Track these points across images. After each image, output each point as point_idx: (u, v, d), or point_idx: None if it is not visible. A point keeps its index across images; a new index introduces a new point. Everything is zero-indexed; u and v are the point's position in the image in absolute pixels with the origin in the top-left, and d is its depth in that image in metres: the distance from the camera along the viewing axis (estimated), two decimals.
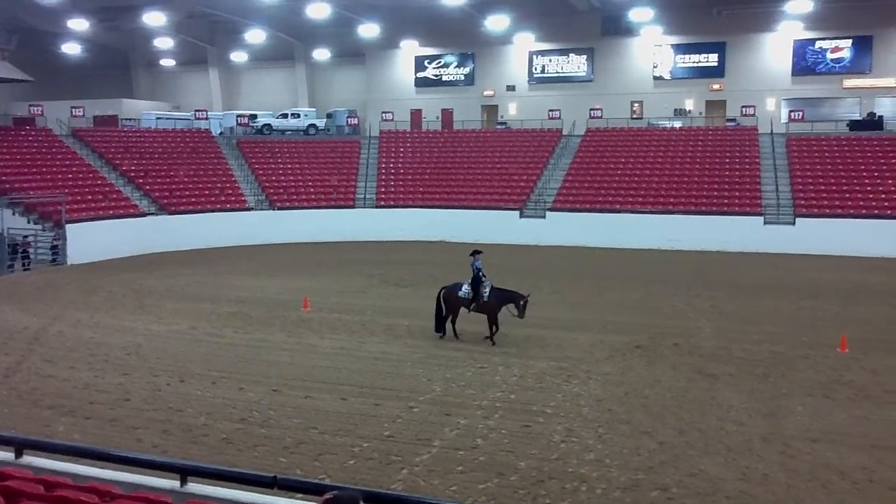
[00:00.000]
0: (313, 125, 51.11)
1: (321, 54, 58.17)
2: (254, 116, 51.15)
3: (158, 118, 51.65)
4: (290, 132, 50.51)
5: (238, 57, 60.17)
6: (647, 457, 11.88)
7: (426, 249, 37.77)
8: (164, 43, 57.83)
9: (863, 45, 46.34)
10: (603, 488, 10.75)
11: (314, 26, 53.84)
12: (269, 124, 50.51)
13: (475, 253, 19.63)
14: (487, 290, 18.83)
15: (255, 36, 54.37)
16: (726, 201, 38.71)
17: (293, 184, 44.31)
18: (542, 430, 12.95)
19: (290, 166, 45.89)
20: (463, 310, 19.27)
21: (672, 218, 38.23)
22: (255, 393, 14.98)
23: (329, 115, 53.69)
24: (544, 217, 40.54)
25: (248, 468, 10.14)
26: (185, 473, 6.70)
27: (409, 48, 55.08)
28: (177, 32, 55.18)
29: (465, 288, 19.06)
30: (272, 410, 13.97)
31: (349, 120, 51.95)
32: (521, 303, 18.58)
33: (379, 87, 56.23)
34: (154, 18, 48.48)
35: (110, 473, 6.89)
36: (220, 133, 49.71)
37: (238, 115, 50.91)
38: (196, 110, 50.47)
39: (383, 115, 49.68)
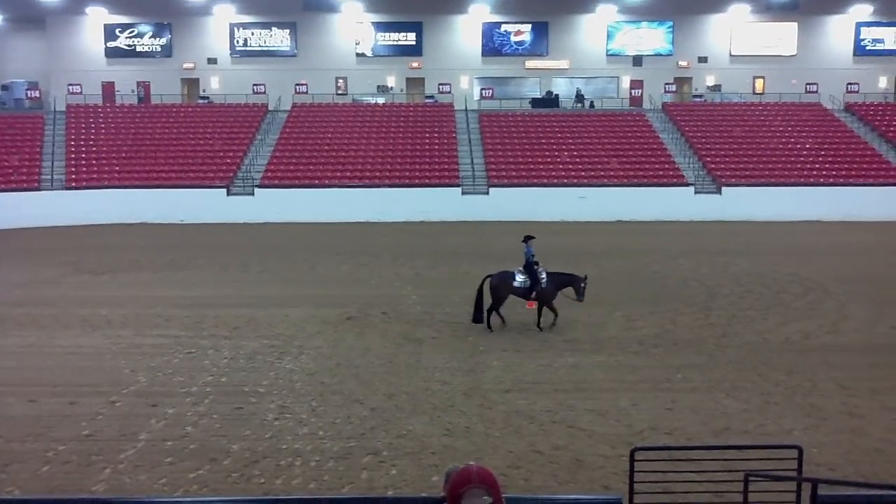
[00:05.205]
0: None
1: None
2: None
3: None
4: None
5: None
6: (359, 424, 12.31)
7: (125, 232, 35.39)
8: None
9: (540, 30, 51.03)
10: (317, 460, 10.97)
11: None
12: None
13: (528, 238, 18.07)
14: (544, 276, 17.60)
15: None
16: (427, 174, 40.80)
17: None
18: (255, 410, 12.88)
19: None
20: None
21: (378, 191, 39.49)
22: None
23: (4, 88, 48.14)
24: (253, 194, 39.80)
25: None
26: None
27: (98, 15, 50.58)
28: None
29: (521, 277, 17.63)
30: None
31: (29, 93, 47.00)
32: (582, 285, 17.74)
33: (64, 57, 50.99)
34: None
35: None
36: None
37: None
38: None
39: (70, 87, 45.54)
